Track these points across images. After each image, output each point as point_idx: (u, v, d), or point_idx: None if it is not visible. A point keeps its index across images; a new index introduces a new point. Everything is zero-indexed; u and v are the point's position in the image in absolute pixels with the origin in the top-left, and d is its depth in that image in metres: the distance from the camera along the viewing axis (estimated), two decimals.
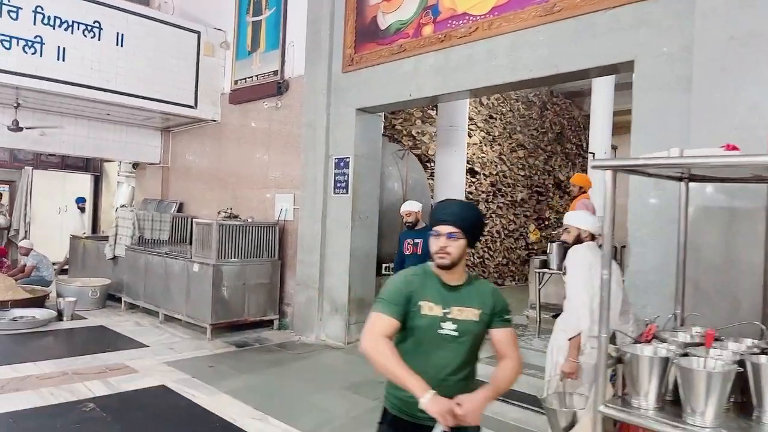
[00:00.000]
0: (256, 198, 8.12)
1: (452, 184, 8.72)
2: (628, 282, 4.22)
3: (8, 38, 6.83)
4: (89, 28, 7.48)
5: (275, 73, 7.84)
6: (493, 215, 13.23)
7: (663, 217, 3.96)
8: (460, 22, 5.47)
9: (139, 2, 8.54)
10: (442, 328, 2.05)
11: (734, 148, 2.58)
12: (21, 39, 6.92)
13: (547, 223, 15.19)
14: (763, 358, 2.23)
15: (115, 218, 8.86)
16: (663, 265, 4.01)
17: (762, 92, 3.45)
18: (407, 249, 5.24)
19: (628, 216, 4.31)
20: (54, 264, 9.44)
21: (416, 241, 5.14)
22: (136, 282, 8.10)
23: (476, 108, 12.33)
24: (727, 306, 3.52)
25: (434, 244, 2.08)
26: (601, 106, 11.21)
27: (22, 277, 8.35)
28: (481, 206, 12.65)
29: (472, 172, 11.99)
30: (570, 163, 16.36)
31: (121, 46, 7.79)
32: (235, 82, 8.58)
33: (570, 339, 3.18)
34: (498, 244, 13.43)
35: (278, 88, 7.67)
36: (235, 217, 7.30)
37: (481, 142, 12.69)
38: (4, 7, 6.79)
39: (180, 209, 9.68)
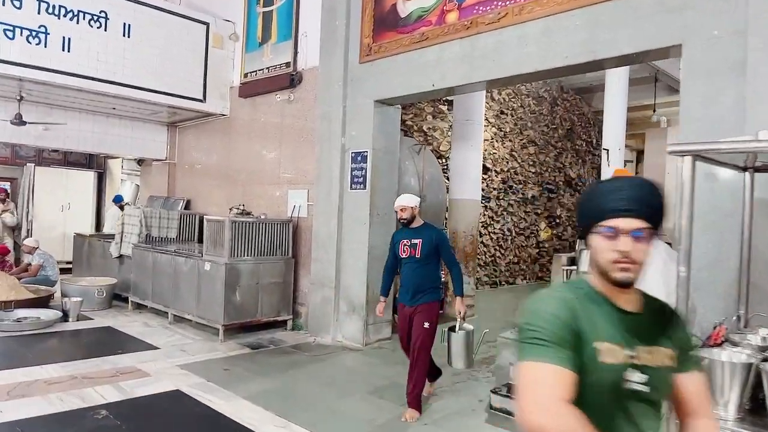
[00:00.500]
0: (267, 194, 7.85)
1: (469, 180, 8.46)
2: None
3: (11, 28, 6.57)
4: (95, 17, 7.21)
5: (287, 64, 7.57)
6: (505, 213, 12.98)
7: (717, 211, 3.70)
8: (488, 7, 5.21)
9: None
10: (629, 382, 1.34)
11: None
12: (25, 29, 6.65)
13: (557, 221, 14.95)
14: None
15: (121, 216, 8.59)
16: (716, 261, 3.77)
17: None
18: (403, 251, 4.37)
19: (676, 211, 4.05)
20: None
21: (414, 241, 4.30)
22: (143, 281, 7.84)
23: (487, 103, 12.05)
24: None
25: (608, 249, 1.33)
26: (614, 101, 10.96)
27: (27, 277, 8.08)
28: (492, 204, 12.42)
29: (483, 168, 11.72)
30: (580, 160, 16.12)
31: (128, 37, 7.52)
32: (245, 75, 8.32)
33: None
34: (509, 242, 13.18)
35: (291, 80, 7.40)
36: (248, 213, 7.05)
37: (492, 138, 12.44)
38: None
39: (187, 206, 9.42)
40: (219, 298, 6.45)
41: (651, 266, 2.80)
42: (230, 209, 7.11)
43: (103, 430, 3.85)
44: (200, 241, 8.84)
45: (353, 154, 6.58)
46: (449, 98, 11.18)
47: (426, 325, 4.24)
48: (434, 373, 4.73)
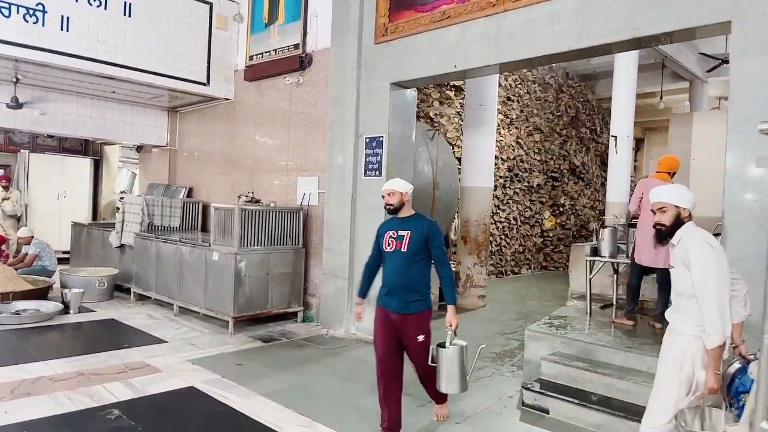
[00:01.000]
0: (275, 182, 7.58)
1: (481, 167, 8.21)
2: None
3: (7, 5, 6.22)
4: None
5: (296, 46, 7.26)
6: (510, 201, 12.76)
7: None
8: None
9: None
10: None
11: None
12: (21, 6, 6.30)
13: (561, 209, 14.76)
14: None
15: (121, 204, 8.28)
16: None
17: None
18: (388, 244, 3.67)
19: (725, 197, 3.83)
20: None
21: (401, 233, 3.62)
22: (146, 272, 7.56)
23: None
24: None
25: None
26: (623, 87, 10.75)
27: (23, 267, 7.78)
28: (498, 192, 12.19)
29: None
30: (584, 148, 15.92)
31: (129, 16, 7.18)
32: (251, 58, 8.00)
33: (713, 347, 2.56)
34: (515, 231, 12.98)
35: (300, 62, 7.10)
36: (257, 201, 6.77)
37: (499, 125, 12.16)
38: None
39: (189, 195, 9.13)
40: (228, 290, 6.19)
41: (710, 261, 2.62)
42: (239, 197, 6.83)
43: (118, 431, 3.60)
44: (204, 230, 8.59)
45: (368, 140, 6.31)
46: (457, 83, 10.94)
47: (421, 338, 3.60)
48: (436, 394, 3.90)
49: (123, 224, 8.07)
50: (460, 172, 8.61)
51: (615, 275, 6.00)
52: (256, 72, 7.86)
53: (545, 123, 13.95)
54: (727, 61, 9.31)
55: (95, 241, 8.85)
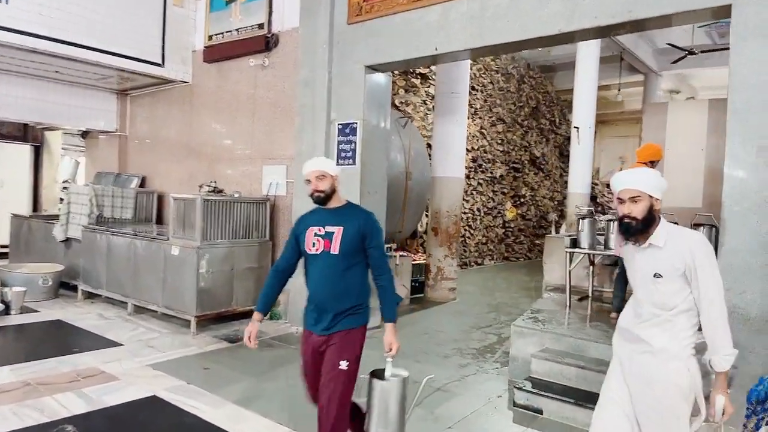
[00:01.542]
0: (238, 171, 7.12)
1: (453, 156, 7.98)
2: (723, 263, 3.64)
3: None
4: None
5: (260, 26, 6.81)
6: (474, 192, 12.65)
7: None
8: None
9: None
10: None
11: None
12: None
13: (522, 200, 14.79)
14: None
15: (66, 195, 7.62)
16: None
17: None
18: (312, 244, 2.76)
19: (724, 188, 3.71)
20: None
21: (330, 229, 2.74)
22: (96, 268, 6.97)
23: None
24: None
25: None
26: (585, 78, 10.80)
27: None
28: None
29: None
30: (544, 139, 16.01)
31: None
32: (210, 38, 7.48)
33: (727, 369, 2.21)
34: (478, 222, 12.89)
35: (266, 43, 6.66)
36: (220, 191, 6.32)
37: None
38: None
39: (142, 184, 8.52)
40: (190, 286, 5.74)
41: (714, 264, 2.20)
42: (200, 187, 6.35)
43: None
44: (159, 222, 8.04)
45: (340, 126, 5.96)
46: (423, 71, 10.68)
47: (343, 365, 2.70)
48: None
49: (69, 216, 7.43)
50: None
51: (591, 267, 5.90)
52: (216, 53, 7.35)
53: (507, 114, 13.91)
54: (693, 53, 9.42)
55: (37, 234, 8.14)
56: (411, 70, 10.06)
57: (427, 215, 8.71)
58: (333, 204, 2.84)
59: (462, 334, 6.18)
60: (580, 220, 5.93)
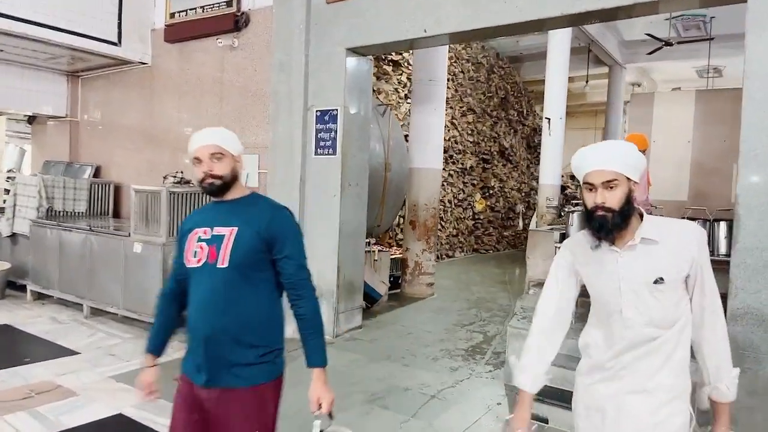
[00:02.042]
0: None
1: (431, 147, 7.67)
2: (737, 261, 3.47)
3: None
4: None
5: (228, 3, 6.30)
6: (445, 183, 12.41)
7: None
8: None
9: None
10: None
11: None
12: None
13: (491, 192, 14.66)
14: None
15: (12, 186, 6.94)
16: None
17: None
18: (192, 253, 1.96)
19: (739, 182, 3.51)
20: None
21: (220, 231, 1.94)
22: (46, 266, 6.36)
23: None
24: None
25: None
26: (556, 68, 10.70)
27: None
28: None
29: None
30: (512, 130, 15.91)
31: None
32: (172, 15, 6.90)
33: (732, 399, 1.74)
34: (449, 214, 12.67)
35: (235, 22, 6.16)
36: (187, 183, 5.82)
37: None
38: None
39: (96, 174, 7.87)
40: (155, 287, 5.23)
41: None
42: (164, 177, 5.83)
43: None
44: (116, 215, 7.46)
45: (319, 113, 5.54)
46: (395, 58, 10.32)
47: None
48: None
49: (15, 209, 6.76)
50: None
51: None
52: (179, 32, 6.79)
53: (477, 104, 13.71)
54: (670, 44, 9.37)
55: None
56: (383, 57, 9.68)
57: (403, 208, 8.40)
58: (232, 195, 1.98)
59: (447, 334, 5.90)
60: (571, 214, 5.74)
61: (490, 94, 14.37)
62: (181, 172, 5.98)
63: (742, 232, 3.49)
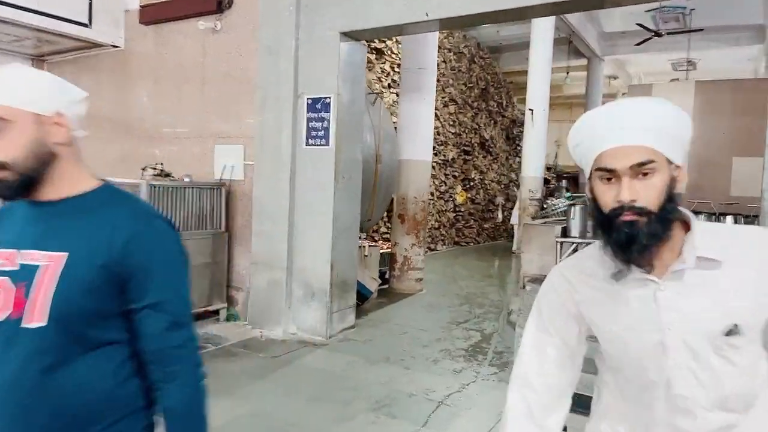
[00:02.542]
0: (184, 152, 6.20)
1: (421, 137, 7.41)
2: None
3: None
4: None
5: None
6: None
7: None
8: None
9: None
10: None
11: None
12: None
13: (472, 184, 14.50)
14: None
15: None
16: None
17: None
18: None
19: (764, 179, 3.35)
20: None
21: (29, 258, 1.12)
22: None
23: None
24: None
25: None
26: (540, 59, 10.58)
27: None
28: None
29: None
30: (492, 122, 15.77)
31: None
32: None
33: None
34: (431, 206, 12.46)
35: (218, 3, 5.76)
36: (168, 175, 5.43)
37: None
38: None
39: None
40: None
41: None
42: (143, 169, 5.42)
43: None
44: None
45: (310, 101, 5.22)
46: (378, 46, 10.02)
47: None
48: None
49: None
50: None
51: None
52: (156, 13, 6.34)
53: (459, 94, 13.50)
54: (660, 34, 9.28)
55: None
56: (366, 43, 9.35)
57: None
58: (54, 192, 1.20)
59: (443, 332, 5.67)
60: (572, 207, 5.57)
61: (471, 85, 14.18)
62: (161, 164, 5.58)
63: None
